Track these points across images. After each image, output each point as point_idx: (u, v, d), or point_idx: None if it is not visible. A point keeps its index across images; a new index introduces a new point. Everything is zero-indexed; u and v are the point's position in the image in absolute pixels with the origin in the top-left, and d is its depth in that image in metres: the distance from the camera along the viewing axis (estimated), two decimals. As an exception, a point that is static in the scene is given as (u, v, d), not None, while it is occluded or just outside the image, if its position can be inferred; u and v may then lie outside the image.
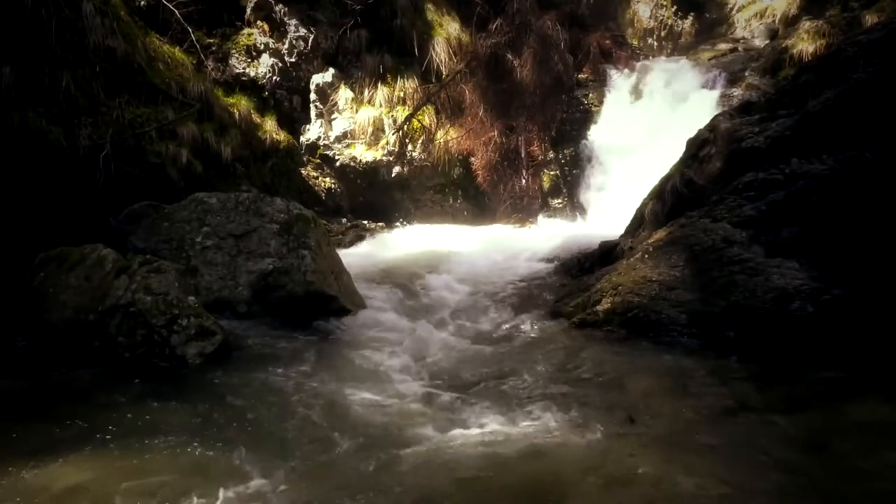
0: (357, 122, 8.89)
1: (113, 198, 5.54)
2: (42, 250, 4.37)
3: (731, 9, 11.57)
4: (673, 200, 5.09)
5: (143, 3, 7.53)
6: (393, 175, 8.92)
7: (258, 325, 4.59)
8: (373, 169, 8.89)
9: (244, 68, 8.53)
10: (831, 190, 4.02)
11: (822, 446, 2.68)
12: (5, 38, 5.48)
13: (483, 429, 3.02)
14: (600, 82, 9.56)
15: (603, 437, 2.89)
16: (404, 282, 5.74)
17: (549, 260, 6.48)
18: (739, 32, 11.18)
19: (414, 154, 8.95)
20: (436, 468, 2.69)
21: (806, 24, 8.39)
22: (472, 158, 9.01)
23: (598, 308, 4.44)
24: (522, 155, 9.04)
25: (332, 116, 8.96)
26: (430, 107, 9.06)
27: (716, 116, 5.27)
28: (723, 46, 10.55)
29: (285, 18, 8.84)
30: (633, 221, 5.67)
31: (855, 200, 3.92)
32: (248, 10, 8.69)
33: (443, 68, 9.11)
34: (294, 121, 8.95)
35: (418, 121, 8.96)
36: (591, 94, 9.39)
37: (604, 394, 3.39)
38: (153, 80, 6.75)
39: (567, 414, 3.15)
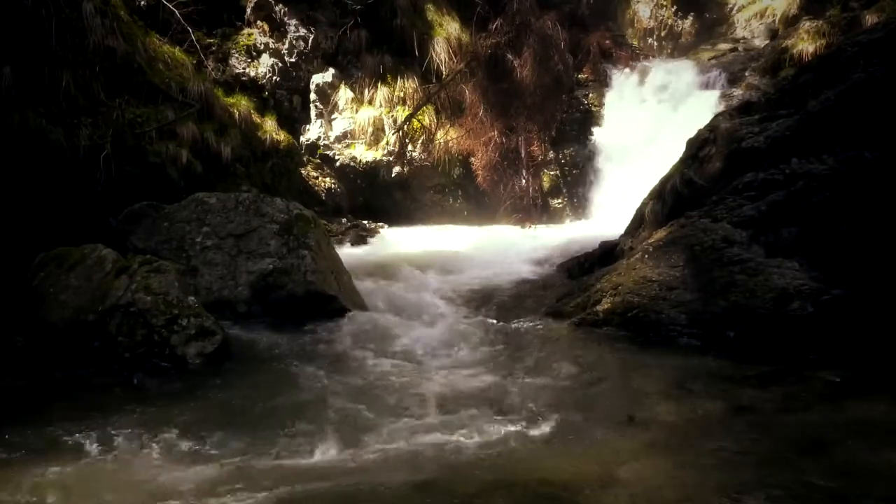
0: (357, 122, 8.89)
1: (113, 198, 5.54)
2: (42, 250, 4.37)
3: (731, 9, 11.56)
4: (673, 200, 5.10)
5: (143, 3, 7.52)
6: (393, 175, 8.91)
7: (258, 325, 4.59)
8: (373, 169, 8.89)
9: (244, 68, 8.53)
10: (831, 190, 4.01)
11: (822, 446, 2.68)
12: (5, 38, 5.48)
13: (480, 429, 3.02)
14: (600, 82, 9.55)
15: (602, 437, 2.89)
16: (404, 282, 5.74)
17: (548, 260, 6.49)
18: (739, 32, 11.17)
19: (414, 154, 8.95)
20: (433, 468, 2.69)
21: (806, 24, 8.39)
22: (472, 158, 9.00)
23: (598, 308, 4.44)
24: (522, 155, 9.03)
25: (332, 116, 8.96)
26: (430, 107, 9.06)
27: (716, 116, 5.28)
28: (723, 46, 10.54)
29: (285, 18, 8.83)
30: (633, 221, 5.67)
31: (855, 200, 3.92)
32: (248, 10, 8.69)
33: (443, 68, 9.10)
34: (294, 121, 8.95)
35: (418, 121, 8.95)
36: (591, 94, 9.39)
37: (603, 394, 3.39)
38: (153, 80, 6.75)
39: (566, 414, 3.15)
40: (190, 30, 7.65)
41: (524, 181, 9.01)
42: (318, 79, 8.90)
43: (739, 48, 10.14)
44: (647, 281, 4.33)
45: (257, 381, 3.65)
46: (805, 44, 7.99)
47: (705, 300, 4.07)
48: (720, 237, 4.26)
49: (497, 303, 5.27)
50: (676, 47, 11.72)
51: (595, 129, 9.05)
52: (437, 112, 9.08)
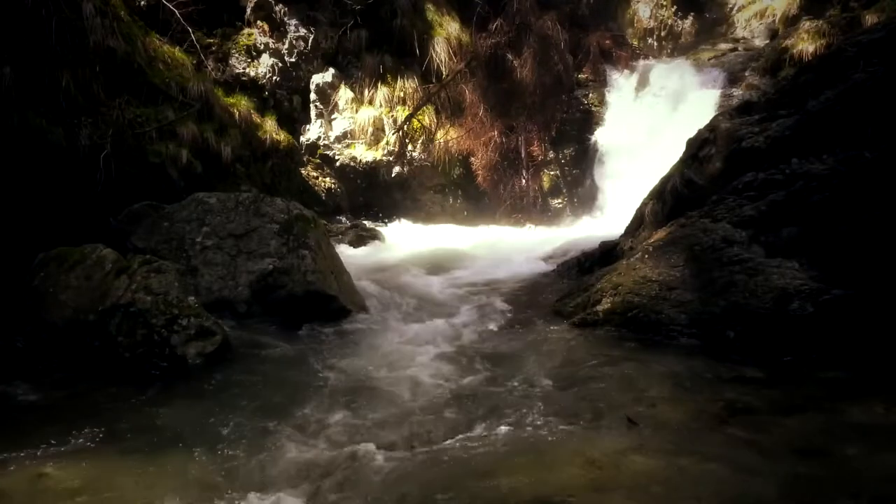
0: (357, 122, 8.89)
1: (113, 198, 5.54)
2: (42, 250, 4.37)
3: (731, 9, 11.56)
4: (673, 200, 5.09)
5: (143, 3, 7.53)
6: (393, 175, 8.92)
7: (258, 325, 4.59)
8: (373, 169, 8.89)
9: (244, 68, 8.53)
10: (831, 190, 4.01)
11: (822, 448, 2.68)
12: (5, 38, 5.48)
13: (482, 431, 3.02)
14: (600, 82, 9.55)
15: (603, 438, 2.89)
16: (404, 282, 5.74)
17: (549, 260, 6.49)
18: (739, 32, 11.16)
19: (414, 154, 8.95)
20: (433, 470, 2.69)
21: (806, 24, 8.39)
22: (472, 158, 9.01)
23: (598, 308, 4.44)
24: (522, 155, 9.04)
25: (332, 116, 8.96)
26: (430, 107, 9.06)
27: (716, 116, 5.27)
28: (723, 46, 10.53)
29: (285, 18, 8.84)
30: (633, 221, 5.67)
31: (855, 200, 3.91)
32: (248, 10, 8.69)
33: (443, 68, 9.11)
34: (294, 121, 8.95)
35: (418, 121, 8.96)
36: (591, 94, 9.39)
37: (603, 395, 3.38)
38: (153, 80, 6.75)
39: (567, 415, 3.15)
40: (190, 30, 7.66)
41: (524, 181, 9.02)
42: (318, 79, 8.90)
43: (739, 48, 10.13)
44: (647, 281, 4.33)
45: (257, 381, 3.65)
46: (805, 44, 7.99)
47: (705, 300, 4.07)
48: (720, 237, 4.26)
49: (496, 303, 5.26)
50: (676, 47, 11.70)
51: (595, 129, 9.06)
52: (437, 112, 9.08)
